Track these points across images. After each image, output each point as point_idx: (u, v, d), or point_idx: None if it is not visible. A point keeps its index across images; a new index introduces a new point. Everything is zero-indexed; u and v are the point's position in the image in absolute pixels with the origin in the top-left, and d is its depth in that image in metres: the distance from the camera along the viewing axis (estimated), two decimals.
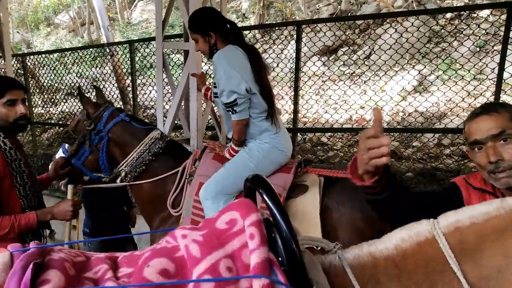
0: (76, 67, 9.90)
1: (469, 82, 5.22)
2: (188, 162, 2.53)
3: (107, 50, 7.37)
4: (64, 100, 9.73)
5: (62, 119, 8.72)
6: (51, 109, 9.12)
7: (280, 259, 0.85)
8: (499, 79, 3.65)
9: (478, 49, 6.90)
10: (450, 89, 5.54)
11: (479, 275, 0.84)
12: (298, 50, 3.94)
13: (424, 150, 4.98)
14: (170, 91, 3.99)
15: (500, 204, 0.87)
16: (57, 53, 8.14)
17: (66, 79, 9.38)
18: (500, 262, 0.83)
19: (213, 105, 3.54)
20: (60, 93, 9.86)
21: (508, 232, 0.84)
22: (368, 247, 0.94)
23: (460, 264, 0.84)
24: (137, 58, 8.10)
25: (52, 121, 8.15)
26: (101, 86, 9.25)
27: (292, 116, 4.25)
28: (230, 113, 2.34)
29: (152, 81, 9.04)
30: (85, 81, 9.90)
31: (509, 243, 0.83)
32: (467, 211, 0.89)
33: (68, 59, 8.15)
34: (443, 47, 7.01)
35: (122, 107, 8.22)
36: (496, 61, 3.69)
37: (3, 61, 4.26)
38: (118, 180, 2.58)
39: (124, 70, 8.27)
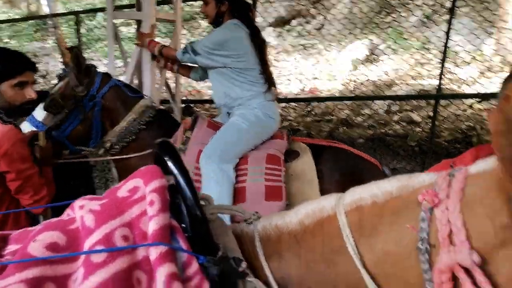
0: (14, 41, 9.31)
1: (417, 50, 5.45)
2: (179, 133, 2.44)
3: (50, 22, 6.94)
4: None
5: None
6: None
7: (183, 225, 0.81)
8: (445, 47, 3.84)
9: (426, 19, 7.14)
10: (401, 58, 5.75)
11: (375, 260, 0.75)
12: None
13: (374, 118, 5.17)
14: (121, 64, 3.87)
15: (406, 182, 0.76)
16: None
17: None
18: (394, 251, 0.73)
19: (167, 77, 3.47)
20: None
21: (403, 216, 0.73)
22: (276, 220, 0.89)
23: (357, 246, 0.76)
24: (83, 31, 7.72)
25: None
26: (43, 61, 8.78)
27: None
28: (181, 50, 2.55)
29: (101, 55, 8.68)
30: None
31: (402, 230, 0.72)
32: (372, 187, 0.81)
33: (5, 32, 7.62)
34: (394, 18, 7.20)
35: None
36: (444, 29, 3.87)
37: None
38: (101, 152, 2.44)
39: (69, 44, 7.86)
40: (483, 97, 4.56)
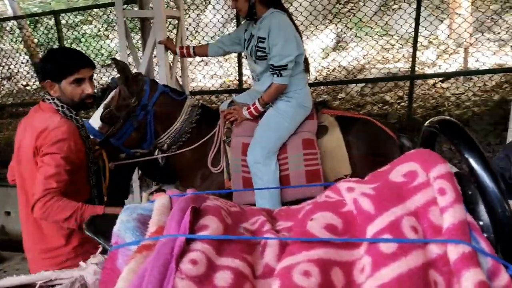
0: None
1: (381, 36, 5.95)
2: (220, 124, 2.66)
3: (16, 24, 6.74)
4: None
5: None
6: None
7: (481, 223, 0.68)
8: (415, 33, 4.32)
9: (382, 8, 7.70)
10: (368, 44, 6.22)
11: None
12: None
13: (351, 101, 5.62)
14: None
15: None
16: None
17: None
18: None
19: (178, 68, 3.66)
20: None
21: None
22: None
23: None
24: (40, 32, 7.53)
25: None
26: (2, 64, 8.45)
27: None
28: (275, 75, 2.47)
29: None
30: None
31: None
32: None
33: None
34: (352, 7, 7.73)
35: (40, 85, 7.69)
36: (400, 16, 4.30)
37: None
38: (156, 152, 2.65)
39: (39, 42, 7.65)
40: (450, 76, 5.19)
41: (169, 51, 3.26)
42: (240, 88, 4.75)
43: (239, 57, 4.78)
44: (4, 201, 4.93)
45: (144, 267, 0.71)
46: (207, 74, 6.82)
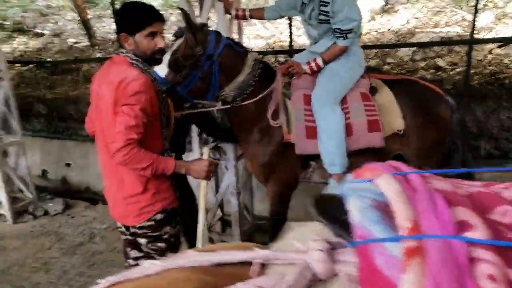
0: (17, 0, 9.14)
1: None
2: (279, 78, 2.77)
3: None
4: (13, 38, 9.01)
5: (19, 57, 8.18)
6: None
7: None
8: None
9: None
10: (424, 6, 5.94)
11: None
12: None
13: (401, 65, 5.47)
14: None
15: None
16: None
17: (9, 14, 8.66)
18: None
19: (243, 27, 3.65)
20: (5, 30, 9.09)
21: None
22: None
23: None
24: None
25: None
26: (50, 20, 8.65)
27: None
28: (341, 39, 2.59)
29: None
30: (32, 15, 9.16)
31: None
32: None
33: None
34: None
35: (88, 42, 7.85)
36: None
37: None
38: (218, 104, 2.76)
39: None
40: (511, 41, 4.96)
41: None
42: (290, 49, 4.70)
43: (291, 18, 4.70)
44: (65, 153, 5.20)
45: (434, 282, 0.56)
46: (256, 35, 6.76)
